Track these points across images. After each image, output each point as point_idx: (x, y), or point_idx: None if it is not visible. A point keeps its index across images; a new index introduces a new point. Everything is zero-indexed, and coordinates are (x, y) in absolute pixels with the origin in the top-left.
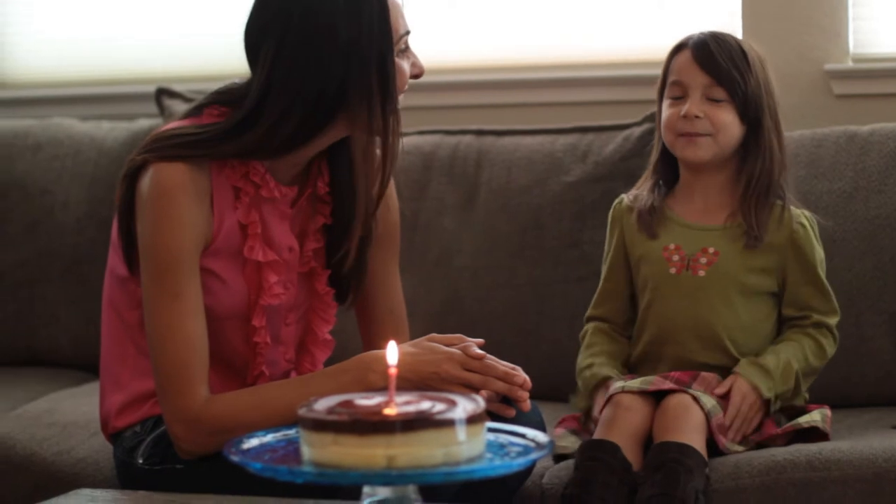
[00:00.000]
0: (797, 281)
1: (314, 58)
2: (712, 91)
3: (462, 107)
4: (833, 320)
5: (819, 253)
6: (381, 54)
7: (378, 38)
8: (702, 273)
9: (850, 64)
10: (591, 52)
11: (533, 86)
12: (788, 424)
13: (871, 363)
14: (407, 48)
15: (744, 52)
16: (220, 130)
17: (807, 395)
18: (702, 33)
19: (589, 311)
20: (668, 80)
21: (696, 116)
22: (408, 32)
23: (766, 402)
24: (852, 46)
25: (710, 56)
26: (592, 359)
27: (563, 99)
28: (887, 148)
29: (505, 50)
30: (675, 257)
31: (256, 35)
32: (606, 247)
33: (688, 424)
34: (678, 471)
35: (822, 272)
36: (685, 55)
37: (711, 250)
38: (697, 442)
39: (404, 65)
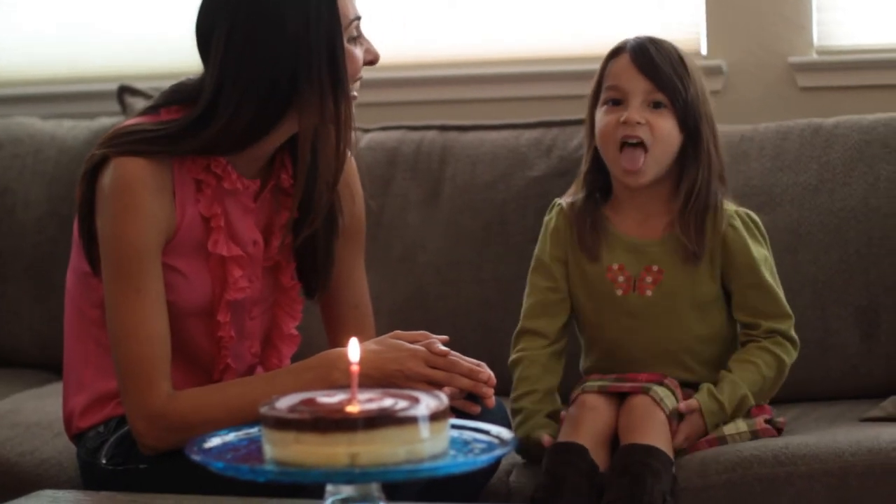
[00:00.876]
0: (740, 284)
1: (263, 47)
2: (653, 96)
3: (426, 102)
4: (785, 325)
5: (759, 251)
6: (329, 40)
7: (326, 25)
8: (649, 293)
9: (814, 56)
10: (555, 47)
11: (497, 81)
12: (713, 436)
13: (837, 357)
14: (359, 34)
15: (682, 58)
16: (178, 127)
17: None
18: (638, 38)
19: (522, 324)
20: (605, 85)
21: (638, 122)
22: (358, 18)
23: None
24: (816, 39)
25: (651, 60)
26: (522, 402)
27: (527, 94)
28: (852, 140)
29: (468, 45)
30: (620, 278)
31: (206, 29)
32: (543, 255)
33: (653, 423)
34: (644, 473)
35: (766, 272)
36: (623, 59)
37: (655, 268)
38: (663, 441)
39: (356, 51)
